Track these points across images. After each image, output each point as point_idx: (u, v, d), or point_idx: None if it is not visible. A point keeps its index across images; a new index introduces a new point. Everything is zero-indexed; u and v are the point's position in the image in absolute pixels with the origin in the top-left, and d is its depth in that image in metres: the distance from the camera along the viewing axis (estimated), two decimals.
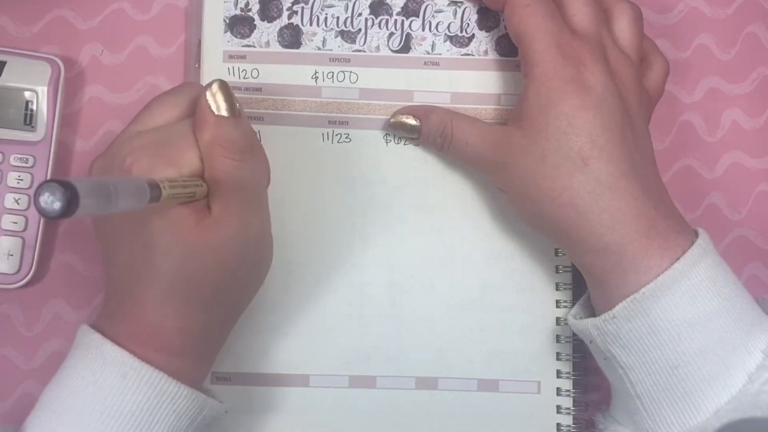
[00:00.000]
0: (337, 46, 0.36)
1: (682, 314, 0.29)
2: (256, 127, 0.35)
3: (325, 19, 0.36)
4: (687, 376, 0.29)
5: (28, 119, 0.35)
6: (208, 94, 0.29)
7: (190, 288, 0.28)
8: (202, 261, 0.28)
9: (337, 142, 0.36)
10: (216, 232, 0.28)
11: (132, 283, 0.28)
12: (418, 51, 0.36)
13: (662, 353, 0.29)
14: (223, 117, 0.29)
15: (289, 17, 0.36)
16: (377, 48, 0.36)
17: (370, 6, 0.36)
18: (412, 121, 0.35)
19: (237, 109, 0.29)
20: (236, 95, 0.35)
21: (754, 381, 0.28)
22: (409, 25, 0.36)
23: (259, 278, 0.32)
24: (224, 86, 0.29)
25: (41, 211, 0.20)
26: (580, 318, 0.32)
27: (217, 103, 0.29)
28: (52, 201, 0.20)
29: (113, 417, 0.27)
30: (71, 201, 0.20)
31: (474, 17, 0.36)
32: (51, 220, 0.20)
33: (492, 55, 0.36)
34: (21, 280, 0.35)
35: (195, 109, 0.29)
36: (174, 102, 0.30)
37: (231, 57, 0.36)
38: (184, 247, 0.27)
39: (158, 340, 0.28)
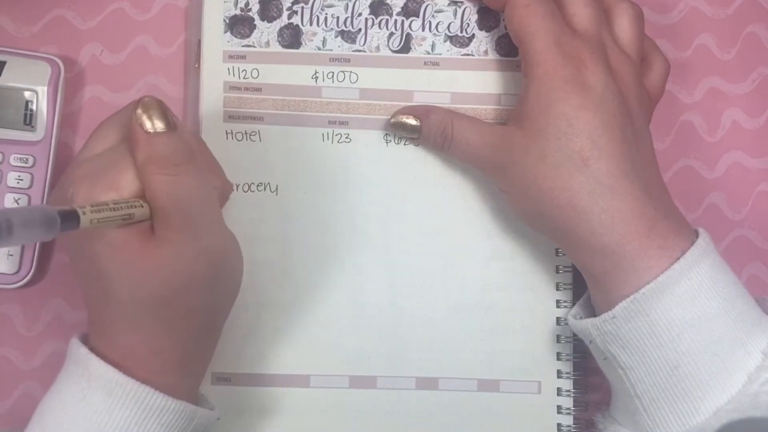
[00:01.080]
0: (337, 46, 0.36)
1: (682, 314, 0.29)
2: (256, 127, 0.35)
3: (325, 19, 0.36)
4: (686, 377, 0.29)
5: (28, 119, 0.35)
6: (139, 111, 0.28)
7: (149, 310, 0.28)
8: (153, 282, 0.27)
9: (337, 142, 0.36)
10: (161, 251, 0.27)
11: (97, 311, 0.28)
12: (418, 51, 0.36)
13: (662, 353, 0.29)
14: (152, 134, 0.28)
15: (289, 17, 0.36)
16: (377, 48, 0.36)
17: (370, 6, 0.36)
18: (412, 121, 0.35)
19: (172, 122, 0.28)
20: (239, 95, 0.35)
21: (753, 381, 0.28)
22: (409, 25, 0.36)
23: (227, 290, 0.31)
24: (154, 100, 0.28)
25: None
26: (580, 318, 0.32)
27: (150, 119, 0.28)
28: None
29: None
30: None
31: (474, 17, 0.36)
32: None
33: (492, 55, 0.36)
34: (21, 280, 0.35)
35: None
36: (115, 125, 0.29)
37: (231, 57, 0.35)
38: (131, 272, 0.27)
39: (135, 362, 0.28)
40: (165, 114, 0.28)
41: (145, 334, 0.28)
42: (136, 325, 0.28)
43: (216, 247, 0.29)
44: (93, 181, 0.27)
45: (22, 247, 0.35)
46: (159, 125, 0.28)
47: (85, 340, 0.29)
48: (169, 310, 0.28)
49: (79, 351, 0.28)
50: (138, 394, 0.27)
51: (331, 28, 0.36)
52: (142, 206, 0.28)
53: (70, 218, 0.24)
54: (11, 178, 0.35)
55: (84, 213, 0.25)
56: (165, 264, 0.27)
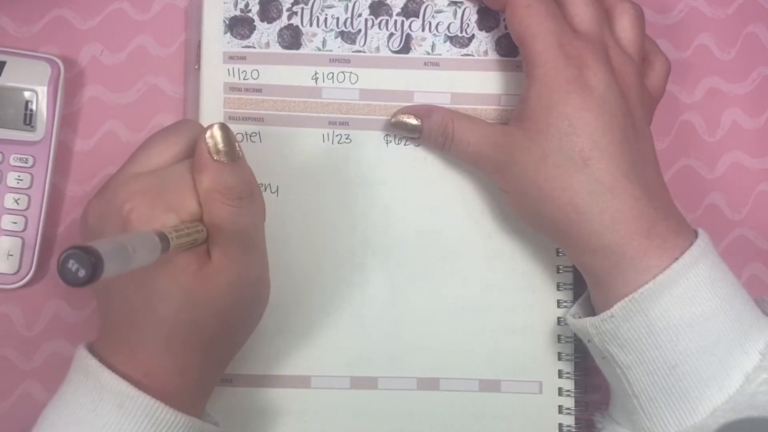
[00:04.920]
0: (337, 46, 0.36)
1: (681, 314, 0.29)
2: (256, 128, 0.35)
3: (325, 19, 0.36)
4: (684, 376, 0.29)
5: (28, 119, 0.35)
6: (208, 137, 0.28)
7: (189, 333, 0.28)
8: (202, 308, 0.28)
9: (338, 142, 0.36)
10: (216, 279, 0.28)
11: (129, 326, 0.28)
12: (418, 51, 0.36)
13: (660, 353, 0.29)
14: (222, 163, 0.28)
15: (289, 18, 0.36)
16: (377, 49, 0.36)
17: (370, 6, 0.36)
18: (413, 121, 0.35)
19: (237, 152, 0.29)
20: (239, 96, 0.35)
21: (751, 381, 0.28)
22: (409, 26, 0.36)
23: (256, 318, 0.31)
24: (224, 129, 0.29)
25: (66, 280, 0.20)
26: (579, 317, 0.32)
27: (217, 147, 0.28)
28: (77, 269, 0.20)
29: None
30: (96, 267, 0.20)
31: (474, 17, 0.36)
32: (76, 287, 0.20)
33: (492, 56, 0.36)
34: (21, 280, 0.35)
35: (193, 150, 0.29)
36: (172, 141, 0.30)
37: (231, 58, 0.35)
38: (185, 295, 0.27)
39: (156, 379, 0.28)
40: (233, 144, 0.29)
41: (175, 354, 0.28)
42: (169, 345, 0.28)
43: (262, 277, 0.30)
44: (153, 200, 0.28)
45: (22, 247, 0.35)
46: (227, 155, 0.28)
47: (91, 350, 0.28)
48: (208, 332, 0.28)
49: (89, 363, 0.28)
50: (149, 409, 0.27)
51: (331, 29, 0.36)
52: (202, 231, 0.28)
53: (164, 244, 0.25)
54: (11, 178, 0.35)
55: (172, 239, 0.25)
56: (219, 292, 0.28)
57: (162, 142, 0.30)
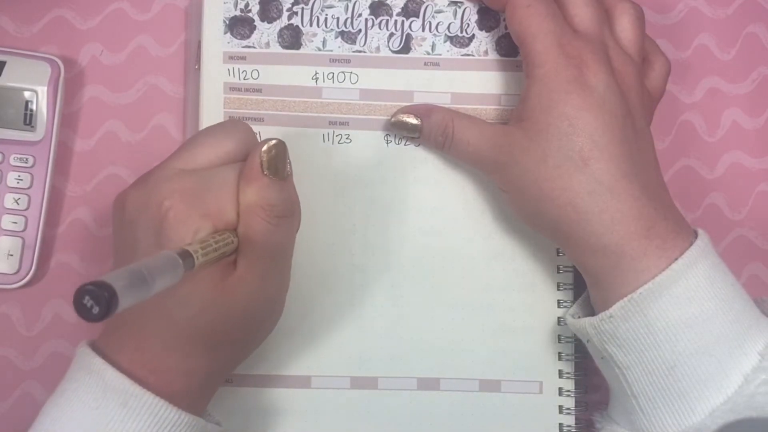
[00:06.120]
0: (338, 46, 0.36)
1: (679, 314, 0.29)
2: (256, 128, 0.35)
3: (325, 19, 0.36)
4: (683, 377, 0.29)
5: (28, 119, 0.35)
6: (264, 151, 0.28)
7: (199, 336, 0.28)
8: (217, 315, 0.28)
9: (338, 142, 0.36)
10: (237, 290, 0.28)
11: (141, 323, 0.28)
12: (418, 51, 0.36)
13: (659, 353, 0.29)
14: (270, 179, 0.28)
15: (289, 18, 0.36)
16: (377, 49, 0.36)
17: (370, 6, 0.36)
18: (413, 120, 0.35)
19: (287, 172, 0.29)
20: (239, 96, 0.35)
21: (749, 382, 0.28)
22: (409, 26, 0.36)
23: (270, 328, 0.32)
24: (281, 146, 0.29)
25: (82, 316, 0.20)
26: (579, 317, 0.32)
27: (270, 162, 0.28)
28: (91, 305, 0.20)
29: None
30: (110, 303, 0.20)
31: (474, 17, 0.36)
32: (92, 322, 0.20)
33: (492, 56, 0.36)
34: (21, 280, 0.35)
35: (243, 155, 0.29)
36: (218, 142, 0.29)
37: (231, 58, 0.35)
38: (202, 301, 0.27)
39: (161, 379, 0.28)
40: (286, 163, 0.29)
41: (183, 355, 0.28)
42: (178, 346, 0.28)
43: (279, 296, 0.30)
44: (193, 202, 0.27)
45: (22, 247, 0.35)
46: (277, 172, 0.28)
47: (94, 348, 0.28)
48: (218, 338, 0.28)
49: (93, 360, 0.27)
50: (153, 407, 0.27)
51: (331, 29, 0.36)
52: (233, 243, 0.28)
53: (187, 263, 0.24)
54: (11, 178, 0.35)
55: (198, 257, 0.25)
56: (237, 301, 0.28)
57: (208, 142, 0.29)
